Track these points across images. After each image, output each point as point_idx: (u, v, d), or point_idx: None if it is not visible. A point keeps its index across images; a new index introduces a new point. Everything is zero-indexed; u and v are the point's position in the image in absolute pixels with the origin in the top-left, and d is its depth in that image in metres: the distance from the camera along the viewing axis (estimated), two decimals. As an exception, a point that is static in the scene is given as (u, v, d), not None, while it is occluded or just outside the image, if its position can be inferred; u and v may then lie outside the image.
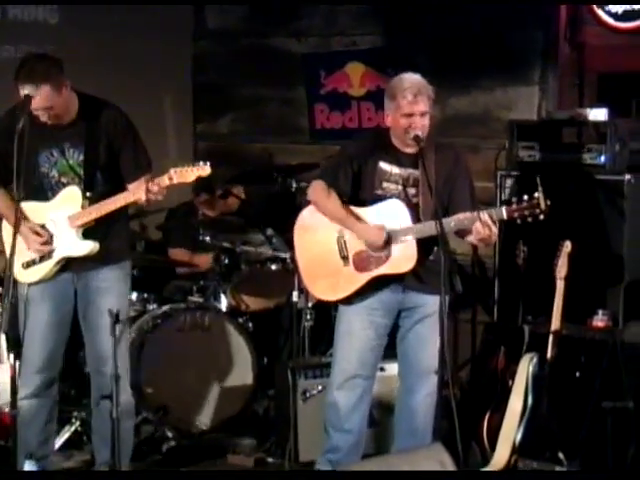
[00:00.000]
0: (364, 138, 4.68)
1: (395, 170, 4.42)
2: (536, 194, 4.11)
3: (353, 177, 4.43)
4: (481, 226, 4.17)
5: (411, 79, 4.34)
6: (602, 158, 5.03)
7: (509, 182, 5.27)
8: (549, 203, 4.10)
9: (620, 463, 4.55)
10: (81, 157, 4.33)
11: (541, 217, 4.12)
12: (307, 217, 4.56)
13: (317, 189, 4.48)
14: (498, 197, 5.28)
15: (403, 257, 4.35)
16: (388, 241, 4.34)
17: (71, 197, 4.34)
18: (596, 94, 6.01)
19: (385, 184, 4.43)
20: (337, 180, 4.45)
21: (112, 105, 4.42)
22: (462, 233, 4.35)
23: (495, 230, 4.20)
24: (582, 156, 5.07)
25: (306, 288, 4.82)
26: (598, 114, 5.13)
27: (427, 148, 4.37)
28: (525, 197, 4.14)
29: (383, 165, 4.43)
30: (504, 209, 4.18)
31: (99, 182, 4.36)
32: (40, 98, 4.13)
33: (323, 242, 4.50)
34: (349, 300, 4.48)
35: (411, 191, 4.42)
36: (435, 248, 4.32)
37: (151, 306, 5.50)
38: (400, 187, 4.42)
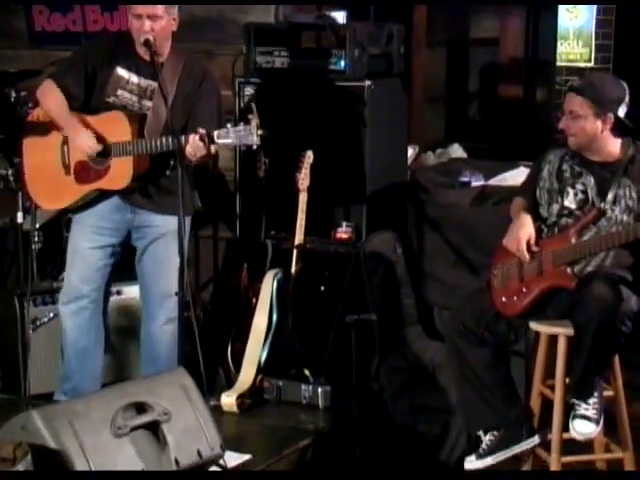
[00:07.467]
0: (104, 40, 4.74)
1: (134, 79, 4.43)
2: (252, 122, 4.21)
3: (86, 80, 4.42)
4: (192, 147, 4.19)
5: None
6: (342, 63, 5.17)
7: (248, 90, 5.33)
8: (261, 133, 4.19)
9: (364, 377, 4.78)
10: None
11: (254, 147, 4.26)
12: (39, 117, 4.55)
13: (45, 88, 4.47)
14: (237, 105, 5.34)
15: (118, 174, 4.39)
16: (107, 154, 4.37)
17: None
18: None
19: (120, 92, 4.43)
20: (67, 80, 4.42)
21: None
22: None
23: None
24: (322, 62, 5.20)
25: (32, 203, 4.82)
26: (337, 17, 5.28)
27: (173, 60, 4.42)
28: (241, 124, 4.23)
29: (120, 71, 4.43)
30: (215, 132, 4.22)
31: None
32: None
33: (48, 147, 4.52)
34: (78, 215, 4.54)
35: (146, 104, 4.43)
36: (171, 162, 4.37)
37: None
38: (135, 98, 4.43)
